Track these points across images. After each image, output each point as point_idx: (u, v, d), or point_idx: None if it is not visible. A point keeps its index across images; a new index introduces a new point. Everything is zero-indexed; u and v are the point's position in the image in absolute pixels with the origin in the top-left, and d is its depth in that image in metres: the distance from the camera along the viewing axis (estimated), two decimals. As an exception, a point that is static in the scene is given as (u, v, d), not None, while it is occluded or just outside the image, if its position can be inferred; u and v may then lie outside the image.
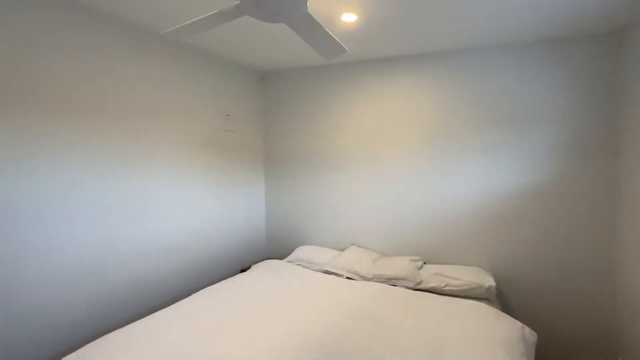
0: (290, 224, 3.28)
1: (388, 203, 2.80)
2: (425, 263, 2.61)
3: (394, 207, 2.78)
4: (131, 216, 2.18)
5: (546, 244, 2.36)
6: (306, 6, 1.29)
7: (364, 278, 2.43)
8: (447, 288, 2.21)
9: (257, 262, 3.17)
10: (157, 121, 2.34)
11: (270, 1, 1.23)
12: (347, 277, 2.47)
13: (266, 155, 3.39)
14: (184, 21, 2.00)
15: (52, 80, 1.80)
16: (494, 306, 2.10)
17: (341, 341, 1.59)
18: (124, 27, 2.12)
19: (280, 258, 3.11)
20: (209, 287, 2.23)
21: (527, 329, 1.77)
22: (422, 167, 2.68)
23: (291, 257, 2.82)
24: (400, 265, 2.42)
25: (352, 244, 2.93)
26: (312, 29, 1.48)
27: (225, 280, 2.36)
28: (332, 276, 2.45)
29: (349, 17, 2.00)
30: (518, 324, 1.78)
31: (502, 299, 2.44)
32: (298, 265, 2.70)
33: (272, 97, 3.31)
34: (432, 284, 2.26)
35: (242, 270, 3.04)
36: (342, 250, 2.90)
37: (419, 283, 2.29)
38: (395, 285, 2.31)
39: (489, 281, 2.20)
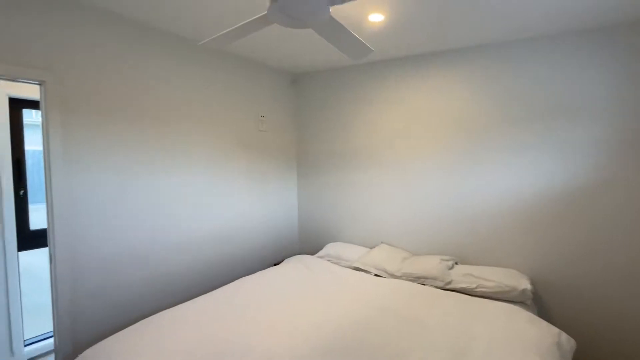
0: (322, 221, 3.36)
1: (419, 202, 2.78)
2: (457, 263, 2.55)
3: (425, 206, 2.75)
4: (175, 210, 2.39)
5: (589, 246, 2.20)
6: (329, 11, 1.35)
7: (392, 276, 2.44)
8: (478, 289, 2.16)
9: (290, 257, 3.30)
10: (198, 124, 2.54)
11: (294, 9, 1.31)
12: (376, 275, 2.49)
13: (298, 155, 3.50)
14: (219, 31, 2.16)
15: (109, 90, 2.04)
16: (530, 310, 2.01)
17: (366, 334, 1.64)
18: (166, 38, 2.33)
19: (312, 254, 3.20)
20: (243, 278, 2.38)
21: (564, 336, 1.69)
22: (454, 166, 2.61)
23: (321, 253, 2.90)
24: (429, 265, 2.39)
25: (382, 242, 2.94)
26: (337, 32, 1.54)
27: (259, 272, 2.50)
28: (361, 273, 2.49)
29: (376, 18, 2.03)
30: (554, 329, 1.70)
31: (539, 303, 2.32)
32: (328, 261, 2.77)
33: (304, 98, 3.41)
34: (462, 285, 2.21)
35: (275, 264, 3.19)
36: (372, 248, 2.92)
37: (449, 283, 2.25)
38: (424, 284, 2.29)
39: (524, 284, 2.11)
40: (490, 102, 2.47)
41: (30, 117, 2.76)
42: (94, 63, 1.97)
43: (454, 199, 2.62)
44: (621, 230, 2.12)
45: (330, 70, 3.21)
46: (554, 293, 2.31)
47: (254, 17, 1.42)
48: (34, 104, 2.53)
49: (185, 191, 2.46)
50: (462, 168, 2.59)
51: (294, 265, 2.63)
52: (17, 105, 2.45)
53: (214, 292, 2.14)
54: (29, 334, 2.53)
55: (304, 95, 3.42)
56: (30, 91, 2.42)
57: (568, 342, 1.66)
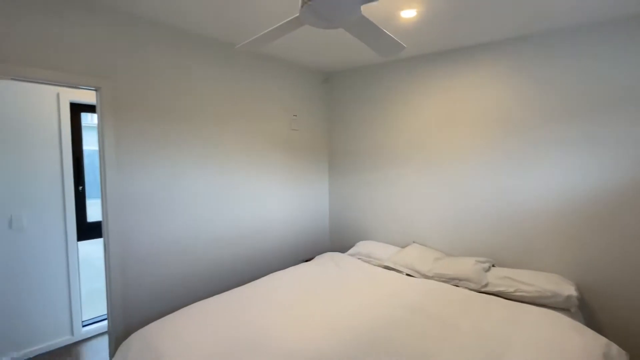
0: (352, 219, 3.37)
1: (453, 201, 2.69)
2: (493, 266, 2.45)
3: (460, 206, 2.66)
4: (212, 206, 2.53)
5: (649, 252, 2.01)
6: (360, 10, 1.36)
7: (424, 276, 2.39)
8: (517, 293, 2.06)
9: (320, 254, 3.35)
10: (235, 123, 2.66)
11: (326, 10, 1.33)
12: (407, 274, 2.46)
13: (330, 153, 3.53)
14: (254, 34, 2.25)
15: (156, 93, 2.20)
16: (575, 318, 1.89)
17: (396, 334, 1.63)
18: (206, 43, 2.46)
19: (342, 252, 3.23)
20: (275, 273, 2.47)
21: (614, 347, 1.57)
22: (492, 164, 2.50)
23: (352, 250, 2.92)
24: (464, 266, 2.32)
25: (414, 242, 2.89)
26: (368, 30, 1.54)
27: (291, 268, 2.57)
28: (392, 272, 2.47)
29: (409, 13, 1.99)
30: (602, 339, 1.59)
31: (587, 311, 2.16)
32: (358, 259, 2.78)
33: (336, 96, 3.44)
34: (499, 288, 2.12)
35: (306, 261, 3.25)
36: (403, 247, 2.88)
37: (485, 285, 2.17)
38: (457, 286, 2.23)
39: (569, 290, 1.97)
40: (531, 97, 2.33)
41: (86, 120, 3.04)
42: (142, 69, 2.14)
43: (492, 199, 2.51)
44: (685, 235, 1.92)
45: (361, 68, 3.20)
46: (603, 301, 2.14)
47: (287, 20, 1.46)
48: (89, 108, 2.79)
49: (222, 188, 2.59)
50: (501, 166, 2.47)
51: (324, 262, 2.66)
52: (76, 110, 2.72)
53: (248, 284, 2.24)
54: (86, 316, 2.80)
55: (335, 93, 3.44)
56: (86, 96, 2.67)
57: (619, 354, 1.54)
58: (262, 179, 2.89)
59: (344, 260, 2.71)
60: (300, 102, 3.23)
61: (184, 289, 2.38)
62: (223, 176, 2.60)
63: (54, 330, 2.56)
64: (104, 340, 2.68)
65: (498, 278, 2.19)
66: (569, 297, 1.93)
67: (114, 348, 2.05)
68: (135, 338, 1.66)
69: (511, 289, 2.08)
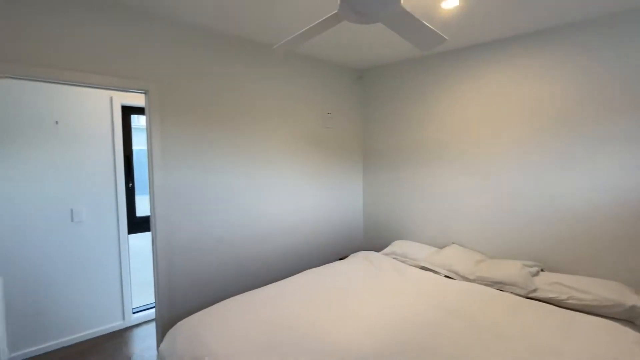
0: (387, 217, 3.31)
1: (496, 201, 2.54)
2: (542, 270, 2.28)
3: (504, 206, 2.51)
4: (250, 203, 2.61)
5: None
6: (400, 2, 1.32)
7: (464, 278, 2.29)
8: (570, 301, 1.90)
9: (353, 253, 3.33)
10: (271, 122, 2.71)
11: (365, 5, 1.31)
12: (446, 276, 2.37)
13: (364, 150, 3.49)
14: (290, 34, 2.27)
15: (197, 95, 2.30)
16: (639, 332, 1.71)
17: (435, 337, 1.58)
18: (243, 45, 2.53)
19: (376, 250, 3.18)
20: (311, 269, 2.49)
21: (689, 366, 1.40)
22: (539, 162, 2.33)
23: (387, 250, 2.86)
24: (509, 270, 2.18)
25: (453, 243, 2.77)
26: (408, 24, 1.49)
27: (326, 265, 2.58)
28: (429, 273, 2.39)
29: (450, 4, 1.90)
30: (674, 357, 1.42)
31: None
32: (394, 258, 2.72)
33: (370, 93, 3.38)
34: (549, 294, 1.97)
35: (340, 259, 3.24)
36: (441, 248, 2.78)
37: (533, 291, 2.03)
38: (502, 291, 2.11)
39: (633, 300, 1.79)
40: (588, 89, 2.13)
41: (133, 121, 3.26)
42: (185, 72, 2.24)
43: (540, 199, 2.34)
44: None
45: (396, 64, 3.12)
46: (675, 314, 1.91)
47: (325, 17, 1.46)
48: (138, 110, 2.98)
49: (258, 186, 2.66)
50: (550, 165, 2.29)
51: (360, 261, 2.64)
52: (126, 112, 2.92)
53: (285, 280, 2.28)
54: (135, 304, 3.01)
55: (369, 90, 3.39)
56: (135, 99, 2.85)
57: (694, 374, 1.37)
58: (297, 176, 2.93)
59: (379, 259, 2.67)
60: (335, 100, 3.22)
61: (223, 282, 2.48)
62: (259, 174, 2.66)
63: (107, 315, 2.78)
64: (152, 327, 2.86)
65: (548, 284, 2.04)
66: (633, 308, 1.75)
67: (160, 334, 2.19)
68: (181, 327, 1.75)
69: (563, 296, 1.93)
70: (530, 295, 2.02)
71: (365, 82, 3.42)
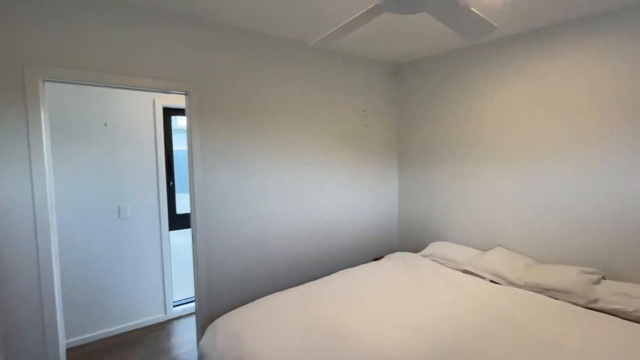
0: (424, 218, 3.18)
1: (547, 201, 2.35)
2: (604, 278, 2.07)
3: (557, 207, 2.31)
4: (284, 202, 2.61)
5: None
6: (450, -11, 1.24)
7: (512, 284, 2.14)
8: (636, 314, 1.70)
9: (389, 253, 3.24)
10: (306, 121, 2.70)
11: (411, -6, 1.24)
12: (491, 281, 2.23)
13: (400, 148, 3.38)
14: (327, 29, 2.23)
15: (235, 95, 2.34)
16: None
17: (481, 344, 1.48)
18: (279, 44, 2.53)
19: (412, 252, 3.07)
20: (347, 270, 2.44)
21: None
22: (600, 159, 2.11)
23: (425, 251, 2.75)
24: (565, 276, 2.01)
25: (498, 245, 2.61)
26: (455, 11, 1.40)
27: (362, 266, 2.52)
28: (473, 277, 2.26)
29: (500, -11, 1.77)
30: None
31: None
32: (432, 260, 2.61)
33: (406, 88, 3.27)
34: (613, 305, 1.78)
35: (375, 260, 3.17)
36: (485, 250, 2.62)
37: (594, 301, 1.85)
38: (556, 299, 1.94)
39: None
40: (661, 75, 1.90)
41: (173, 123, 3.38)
42: (223, 72, 2.28)
43: (602, 201, 2.12)
44: None
45: (434, 57, 2.99)
46: None
47: (366, 9, 1.40)
48: (177, 112, 3.09)
49: (292, 185, 2.65)
50: (619, 162, 2.07)
51: (396, 262, 2.56)
52: (167, 113, 3.04)
53: (321, 279, 2.26)
54: (175, 298, 3.13)
55: (405, 85, 3.27)
56: (175, 101, 2.96)
57: None
58: (331, 175, 2.89)
59: (416, 260, 2.57)
60: (369, 97, 3.14)
61: (258, 279, 2.50)
62: (293, 173, 2.66)
63: (150, 308, 2.91)
64: (191, 321, 2.96)
65: (612, 294, 1.84)
66: None
67: (200, 328, 2.25)
68: (220, 323, 1.78)
69: (630, 308, 1.73)
70: (591, 305, 1.84)
71: (401, 77, 3.31)
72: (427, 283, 2.16)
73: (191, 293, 3.24)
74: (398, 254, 2.77)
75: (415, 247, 3.24)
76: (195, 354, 2.46)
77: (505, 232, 2.57)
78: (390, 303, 1.90)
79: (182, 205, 3.24)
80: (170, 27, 2.08)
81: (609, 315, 1.75)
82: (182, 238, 3.23)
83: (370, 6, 1.38)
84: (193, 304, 3.14)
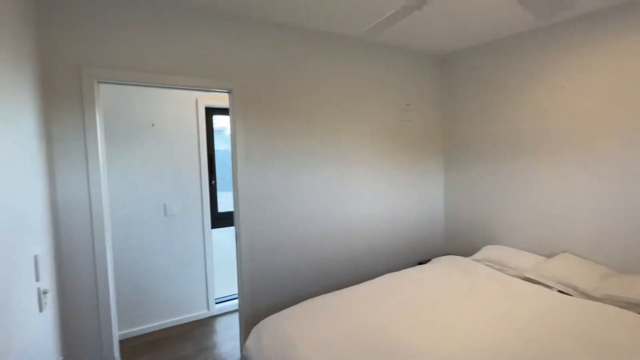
0: (473, 219, 2.95)
1: (628, 202, 2.05)
2: None
3: (637, 209, 2.01)
4: (325, 201, 2.53)
5: None
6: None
7: (586, 296, 1.89)
8: None
9: (434, 257, 3.05)
10: (348, 117, 2.60)
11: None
12: (559, 291, 1.98)
13: (446, 144, 3.17)
14: (365, 23, 2.09)
15: (277, 92, 2.29)
16: None
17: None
18: (321, 38, 2.45)
19: (460, 255, 2.86)
20: (392, 273, 2.31)
21: None
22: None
23: (478, 255, 2.54)
24: (654, 289, 1.73)
25: (564, 251, 2.33)
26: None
27: (409, 270, 2.38)
28: (537, 286, 2.03)
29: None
30: None
31: None
32: (487, 265, 2.39)
33: (454, 79, 3.05)
34: None
35: (420, 263, 3.00)
36: (547, 256, 2.36)
37: (695, 320, 1.56)
38: (644, 315, 1.67)
39: None
40: None
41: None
42: (265, 70, 2.24)
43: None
44: None
45: (485, 45, 2.74)
46: None
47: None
48: (218, 111, 3.12)
49: (332, 184, 2.56)
50: None
51: (446, 266, 2.38)
52: (209, 113, 3.08)
53: (367, 283, 2.15)
54: (216, 295, 3.17)
55: (453, 76, 3.05)
56: (216, 100, 2.98)
57: None
58: (372, 173, 2.76)
59: (469, 265, 2.37)
60: (413, 90, 2.97)
61: (300, 280, 2.44)
62: (334, 171, 2.56)
63: (194, 304, 2.97)
64: (232, 318, 2.98)
65: None
66: None
67: (243, 327, 2.23)
68: (267, 325, 1.74)
69: None
70: (692, 325, 1.56)
71: (448, 68, 3.09)
72: (486, 292, 1.97)
73: (231, 291, 3.27)
74: (447, 257, 2.58)
75: (464, 250, 3.02)
76: (237, 352, 2.45)
77: (574, 237, 2.30)
78: (444, 313, 1.74)
79: (223, 204, 3.27)
80: (215, 25, 2.07)
81: None
82: (223, 236, 3.26)
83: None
84: (233, 301, 3.16)
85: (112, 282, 1.94)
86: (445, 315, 1.72)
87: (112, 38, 1.81)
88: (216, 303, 3.12)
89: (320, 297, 1.95)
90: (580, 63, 2.22)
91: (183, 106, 2.87)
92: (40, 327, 1.32)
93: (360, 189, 2.70)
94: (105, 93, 2.52)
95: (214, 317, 3.02)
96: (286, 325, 1.66)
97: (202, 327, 2.87)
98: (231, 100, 2.17)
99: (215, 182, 3.17)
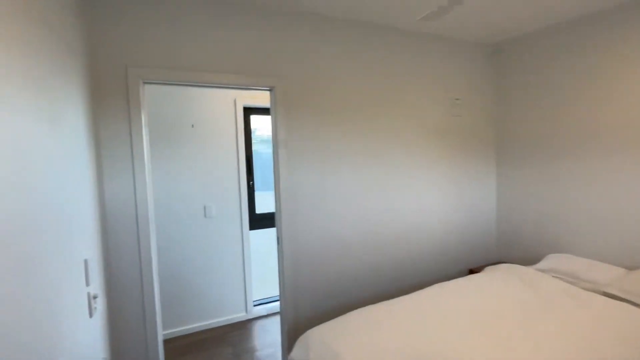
0: (531, 224, 2.67)
1: None
2: None
3: None
4: (368, 205, 2.38)
5: None
6: None
7: (688, 318, 1.59)
8: None
9: (487, 265, 2.80)
10: (392, 114, 2.44)
11: None
12: (650, 310, 1.70)
13: (498, 141, 2.90)
14: (411, 12, 1.89)
15: (320, 89, 2.18)
16: None
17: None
18: (363, 30, 2.30)
19: (515, 263, 2.59)
20: (443, 283, 2.12)
21: None
22: None
23: (542, 265, 2.27)
24: None
25: (649, 263, 2.02)
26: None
27: (460, 279, 2.17)
28: (622, 303, 1.75)
29: None
30: None
31: None
32: (554, 277, 2.13)
33: (508, 71, 2.78)
34: None
35: (470, 271, 2.76)
36: (629, 268, 2.06)
37: None
38: None
39: None
40: None
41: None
42: (308, 67, 2.14)
43: None
44: None
45: (546, 30, 2.45)
46: None
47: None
48: (255, 111, 3.07)
49: (376, 186, 2.41)
50: None
51: (505, 277, 2.14)
52: (247, 113, 3.03)
53: (417, 293, 1.98)
54: (255, 297, 3.13)
55: (508, 67, 2.78)
56: (254, 100, 2.93)
57: None
58: (417, 173, 2.57)
59: (532, 276, 2.12)
60: (463, 83, 2.74)
61: (343, 285, 2.31)
62: (377, 171, 2.41)
63: (232, 306, 2.94)
64: (271, 321, 2.92)
65: None
66: None
67: (285, 332, 2.14)
68: (312, 337, 1.62)
69: None
70: None
71: (503, 57, 2.81)
72: (561, 309, 1.72)
73: (269, 293, 3.21)
74: (504, 266, 2.34)
75: (519, 258, 2.75)
76: (278, 357, 2.38)
77: (664, 247, 1.98)
78: (509, 331, 1.53)
79: (260, 205, 3.22)
80: (257, 22, 1.99)
81: None
82: (261, 238, 3.21)
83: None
84: (272, 304, 3.11)
85: (157, 285, 1.92)
86: (516, 335, 1.51)
87: (157, 36, 1.79)
88: (254, 306, 3.07)
89: (367, 308, 1.81)
90: (672, 44, 1.91)
91: (221, 106, 2.85)
92: (90, 333, 1.30)
93: (404, 189, 2.52)
94: (147, 93, 2.54)
95: (251, 320, 2.98)
96: (333, 339, 1.54)
97: (240, 329, 2.83)
98: (273, 98, 2.08)
99: (253, 183, 3.13)
